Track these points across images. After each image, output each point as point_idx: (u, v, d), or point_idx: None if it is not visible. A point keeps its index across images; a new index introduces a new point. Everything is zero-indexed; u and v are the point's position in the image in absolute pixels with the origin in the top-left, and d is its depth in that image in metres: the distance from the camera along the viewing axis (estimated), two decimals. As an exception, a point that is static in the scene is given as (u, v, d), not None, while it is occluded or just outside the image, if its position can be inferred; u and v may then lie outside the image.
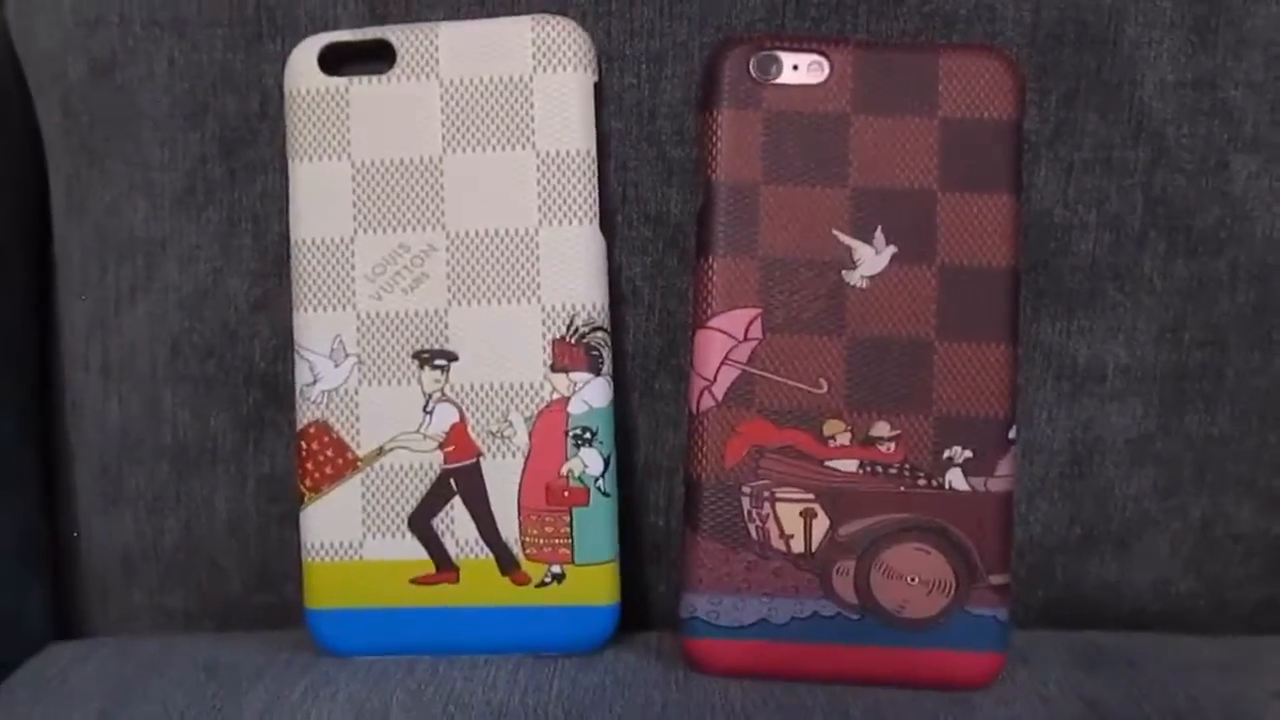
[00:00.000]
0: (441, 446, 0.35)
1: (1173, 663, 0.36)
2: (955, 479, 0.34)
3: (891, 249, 0.34)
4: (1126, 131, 0.38)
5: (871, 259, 0.34)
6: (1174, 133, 0.38)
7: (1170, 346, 0.38)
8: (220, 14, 0.38)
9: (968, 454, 0.34)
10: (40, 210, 0.42)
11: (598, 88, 0.35)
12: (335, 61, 0.36)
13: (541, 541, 0.35)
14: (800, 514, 0.34)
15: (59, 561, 0.43)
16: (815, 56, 0.34)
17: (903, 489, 0.34)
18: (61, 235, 0.42)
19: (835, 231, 0.34)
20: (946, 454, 0.34)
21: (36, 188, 0.42)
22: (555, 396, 0.35)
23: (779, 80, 0.34)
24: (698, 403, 0.34)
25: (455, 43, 0.35)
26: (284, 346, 0.37)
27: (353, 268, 0.35)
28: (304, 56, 0.36)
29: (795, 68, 0.34)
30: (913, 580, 0.34)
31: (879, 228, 0.34)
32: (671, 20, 0.37)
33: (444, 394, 0.35)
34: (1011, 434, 0.34)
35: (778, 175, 0.34)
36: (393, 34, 0.35)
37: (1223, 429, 0.39)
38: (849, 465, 0.34)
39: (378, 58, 0.36)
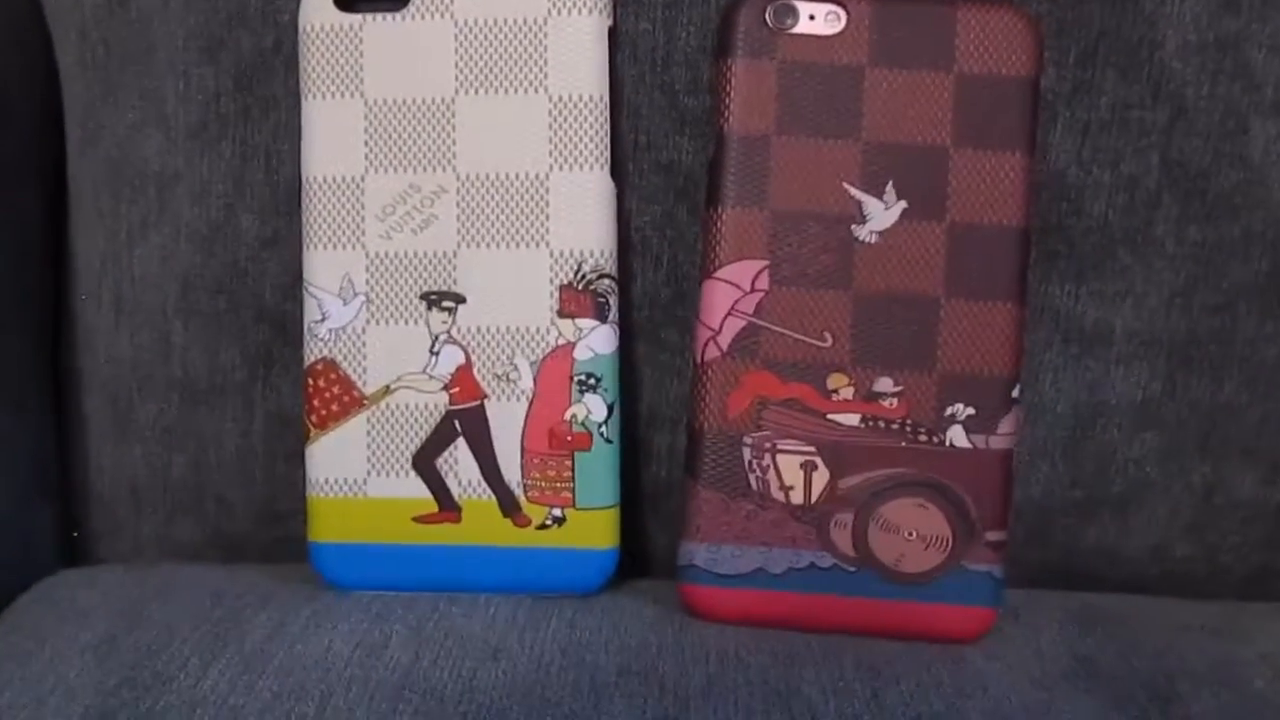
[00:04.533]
0: (447, 388, 0.35)
1: (1165, 624, 0.36)
2: (957, 436, 0.34)
3: (902, 204, 0.34)
4: (1145, 91, 0.37)
5: (881, 214, 0.34)
6: (1194, 94, 0.37)
7: (1180, 311, 0.38)
8: (236, -54, 0.38)
9: (970, 411, 0.34)
10: (56, 141, 0.42)
11: (612, 32, 0.35)
12: (350, -2, 0.35)
13: (544, 485, 0.35)
14: (801, 466, 0.34)
15: (69, 492, 0.43)
16: (832, 7, 0.34)
17: (904, 444, 0.34)
18: (75, 167, 0.42)
19: (846, 185, 0.34)
20: (949, 411, 0.34)
21: (53, 119, 0.42)
22: (561, 342, 0.35)
23: (795, 30, 0.34)
24: (703, 353, 0.34)
25: (470, -18, 0.35)
26: (293, 284, 0.37)
27: (363, 207, 0.35)
28: (319, -10, 0.35)
29: (812, 17, 0.34)
30: (910, 535, 0.34)
31: (890, 182, 0.34)
32: (690, -35, 0.36)
33: (450, 336, 0.35)
34: (1015, 393, 0.34)
35: (790, 126, 0.34)
36: (408, -29, 0.35)
37: (1228, 396, 0.39)
38: (851, 419, 0.34)
39: (393, -6, 0.35)
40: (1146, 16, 0.37)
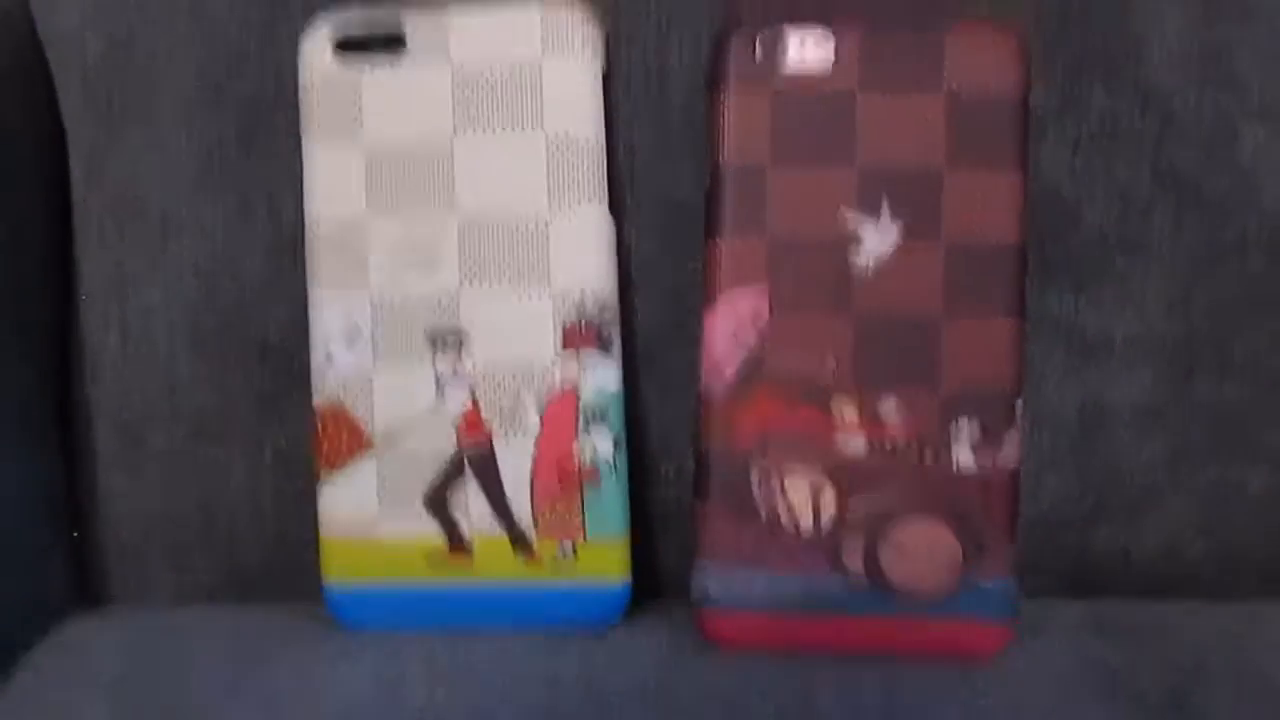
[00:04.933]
0: (454, 427, 0.36)
1: (1182, 628, 0.36)
2: (963, 454, 0.34)
3: (898, 227, 0.34)
4: (1134, 103, 0.37)
5: (878, 237, 0.34)
6: (1181, 103, 0.37)
7: (1179, 315, 0.38)
8: (234, -6, 0.38)
9: (975, 429, 0.34)
10: (61, 179, 0.43)
11: (606, 71, 0.36)
12: (349, 45, 0.36)
13: (554, 520, 0.35)
14: (809, 490, 0.34)
15: (78, 530, 0.43)
16: (822, 35, 0.34)
17: (911, 464, 0.34)
18: (80, 205, 0.42)
19: (842, 210, 0.34)
20: (954, 429, 0.34)
21: (58, 158, 0.43)
22: (566, 378, 0.35)
23: (786, 59, 0.34)
24: (707, 381, 0.35)
25: (466, 27, 0.35)
26: (298, 326, 0.37)
27: (366, 249, 0.36)
28: (318, 39, 0.36)
29: (802, 46, 0.34)
30: (921, 553, 0.34)
31: (886, 206, 0.34)
32: (679, 0, 0.37)
33: (456, 375, 0.36)
34: (1018, 408, 0.34)
35: (785, 155, 0.34)
36: (405, 19, 0.36)
37: (1232, 395, 0.39)
38: (857, 441, 0.34)
39: (391, 41, 0.36)
40: (1131, 29, 0.37)
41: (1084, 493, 0.39)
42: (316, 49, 0.36)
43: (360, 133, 0.36)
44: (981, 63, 0.34)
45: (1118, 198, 0.38)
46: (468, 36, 0.35)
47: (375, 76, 0.36)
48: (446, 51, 0.35)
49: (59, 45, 0.42)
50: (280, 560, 0.40)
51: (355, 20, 0.36)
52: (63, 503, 0.42)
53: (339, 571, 0.36)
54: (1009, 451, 0.34)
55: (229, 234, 0.39)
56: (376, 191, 0.36)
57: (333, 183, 0.36)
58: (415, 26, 0.35)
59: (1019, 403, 0.34)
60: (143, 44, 0.39)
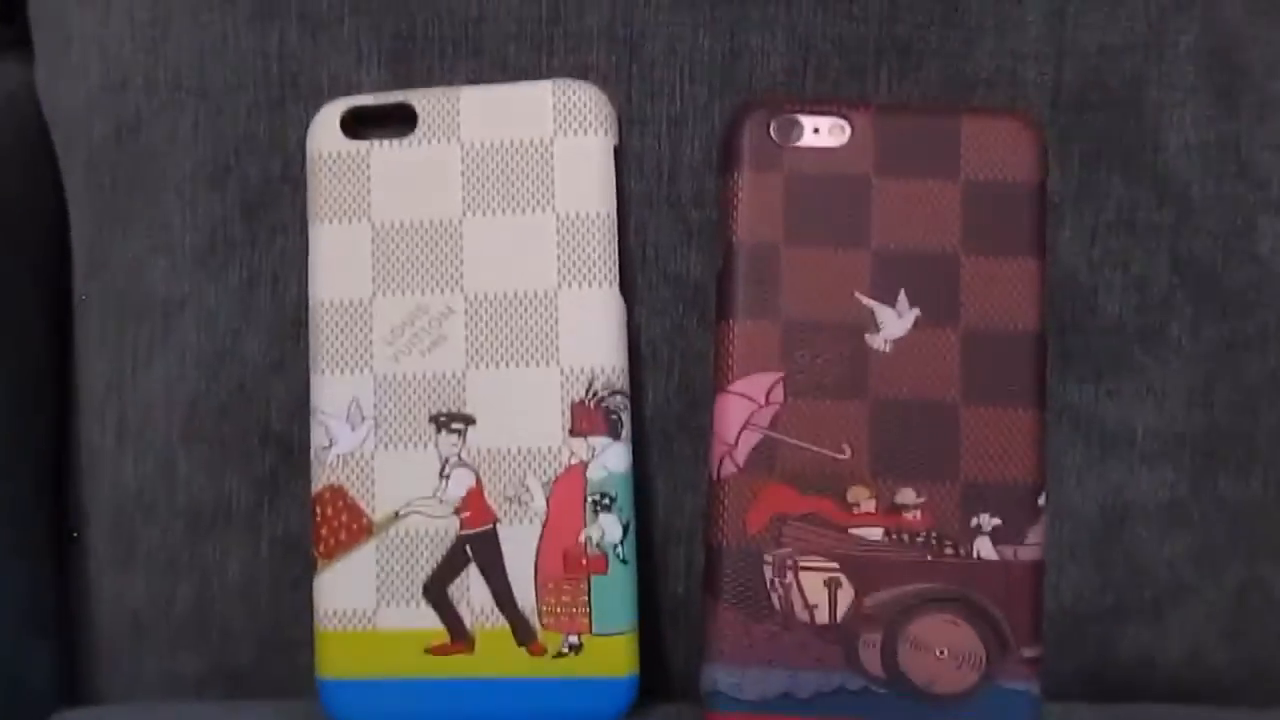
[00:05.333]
0: (458, 512, 0.35)
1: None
2: (984, 547, 0.33)
3: (915, 312, 0.34)
4: (1151, 193, 0.37)
5: (894, 322, 0.34)
6: (1199, 194, 0.37)
7: (1201, 409, 0.38)
8: (245, 78, 0.38)
9: (996, 521, 0.33)
10: (61, 269, 0.43)
11: (618, 150, 0.35)
12: (358, 124, 0.36)
13: (559, 610, 0.34)
14: (824, 583, 0.33)
15: (68, 624, 0.42)
16: (836, 119, 0.34)
17: (930, 558, 0.33)
18: (81, 293, 0.42)
19: (857, 294, 0.34)
20: (974, 522, 0.33)
21: (58, 247, 0.43)
22: (574, 461, 0.34)
23: (799, 143, 0.34)
24: (718, 468, 0.34)
25: (476, 106, 0.35)
26: (300, 408, 0.37)
27: (370, 329, 0.35)
28: (327, 119, 0.36)
29: (816, 130, 0.34)
30: (941, 653, 0.33)
31: (902, 291, 0.34)
32: (692, 83, 0.37)
33: (461, 458, 0.35)
34: (1041, 501, 0.33)
35: (799, 237, 0.34)
36: (415, 98, 0.36)
37: (1257, 493, 0.38)
38: (874, 533, 0.33)
39: (400, 121, 0.36)
40: (1148, 120, 0.37)
41: (1105, 590, 0.38)
42: (326, 125, 0.36)
43: (367, 211, 0.35)
44: (999, 149, 0.34)
45: (1135, 288, 0.38)
46: (478, 114, 0.35)
47: (384, 154, 0.36)
48: (457, 129, 0.35)
49: (64, 128, 0.42)
50: (274, 656, 0.39)
51: (366, 98, 0.36)
52: (50, 602, 0.42)
53: (334, 665, 0.35)
54: (1032, 546, 0.33)
55: (231, 316, 0.39)
56: (382, 270, 0.35)
57: (338, 261, 0.36)
58: (425, 103, 0.35)
59: (1042, 496, 0.33)
60: (149, 126, 0.40)
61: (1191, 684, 0.39)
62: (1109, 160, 0.37)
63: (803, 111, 0.34)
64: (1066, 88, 0.37)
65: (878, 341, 0.34)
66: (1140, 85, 0.37)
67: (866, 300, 0.34)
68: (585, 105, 0.35)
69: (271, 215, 0.39)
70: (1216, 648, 0.39)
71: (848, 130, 0.34)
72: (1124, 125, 0.37)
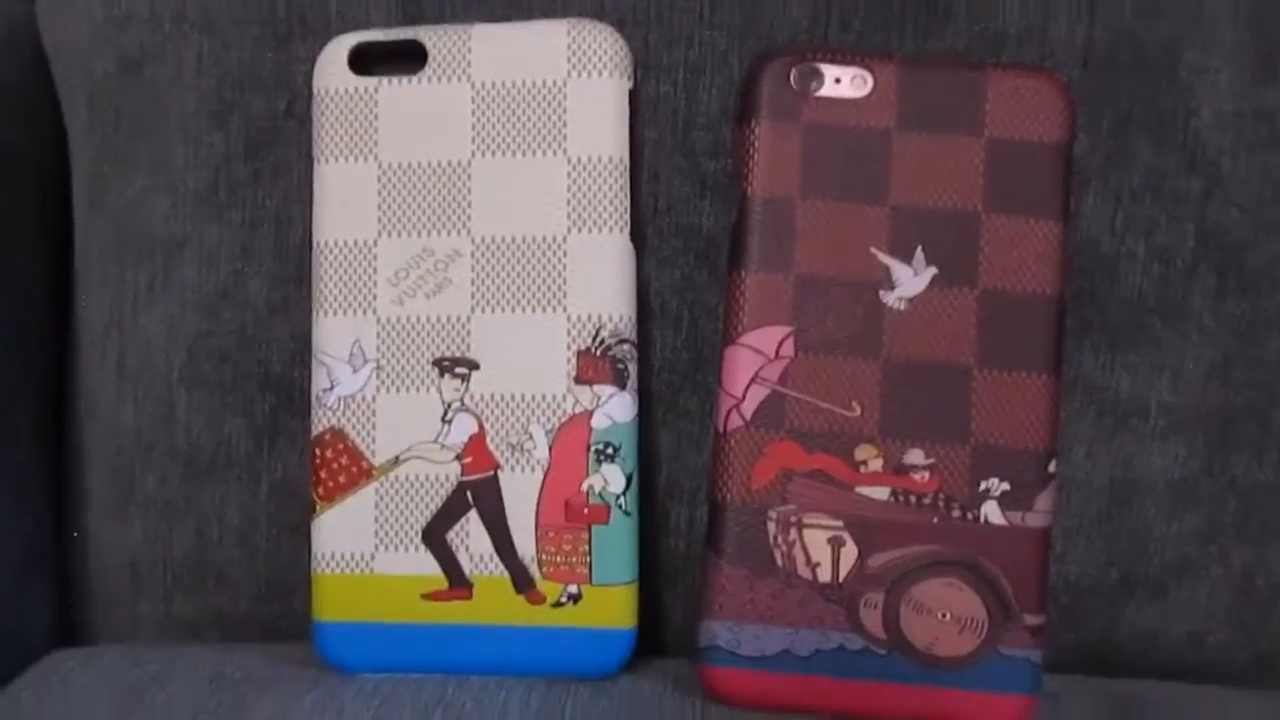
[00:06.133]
0: (459, 458, 0.34)
1: (1207, 715, 0.35)
2: (991, 512, 0.33)
3: (932, 270, 0.33)
4: (1180, 161, 0.37)
5: (910, 280, 0.33)
6: (1230, 164, 0.37)
7: (1218, 386, 0.37)
8: (251, 12, 0.38)
9: (1005, 486, 0.33)
10: (62, 208, 0.42)
11: (633, 95, 0.35)
12: (365, 61, 0.35)
13: (559, 560, 0.34)
14: (828, 542, 0.33)
15: (65, 567, 0.42)
16: (858, 70, 0.33)
17: (936, 520, 0.33)
18: (82, 233, 0.41)
19: (873, 250, 0.33)
20: (983, 486, 0.33)
21: (59, 185, 0.42)
22: (578, 410, 0.34)
23: (820, 93, 0.33)
24: (725, 422, 0.33)
25: (488, 45, 0.35)
26: (301, 351, 0.37)
27: (375, 271, 0.35)
28: (334, 55, 0.35)
29: (838, 81, 0.33)
30: (944, 616, 0.33)
31: (919, 248, 0.33)
32: (711, 29, 0.36)
33: (463, 403, 0.34)
34: (1052, 468, 0.33)
35: (815, 190, 0.33)
36: (425, 35, 0.35)
37: (1269, 475, 0.38)
38: (880, 493, 0.33)
39: (409, 58, 0.35)
40: (1182, 85, 0.36)
41: (1110, 565, 0.38)
42: (333, 62, 0.35)
43: (374, 150, 0.35)
44: (1025, 107, 0.33)
45: (1158, 258, 0.37)
46: (490, 52, 0.35)
47: (392, 92, 0.35)
48: (467, 68, 0.35)
49: (65, 62, 0.42)
50: (270, 601, 0.39)
51: (375, 34, 0.35)
52: (49, 543, 0.42)
53: (331, 608, 0.35)
54: (1040, 513, 0.33)
55: (233, 256, 0.38)
56: (388, 211, 0.35)
57: (343, 202, 0.35)
58: (435, 41, 0.35)
59: (1053, 463, 0.33)
60: (152, 61, 0.39)
61: (1194, 664, 0.38)
62: (1138, 125, 0.36)
63: (824, 61, 0.33)
64: (1098, 47, 0.36)
65: (892, 299, 0.33)
66: (1175, 47, 0.36)
67: (883, 257, 0.33)
68: (601, 46, 0.34)
69: (275, 154, 0.38)
70: (1221, 628, 0.38)
71: (870, 82, 0.33)
72: (1157, 89, 0.36)
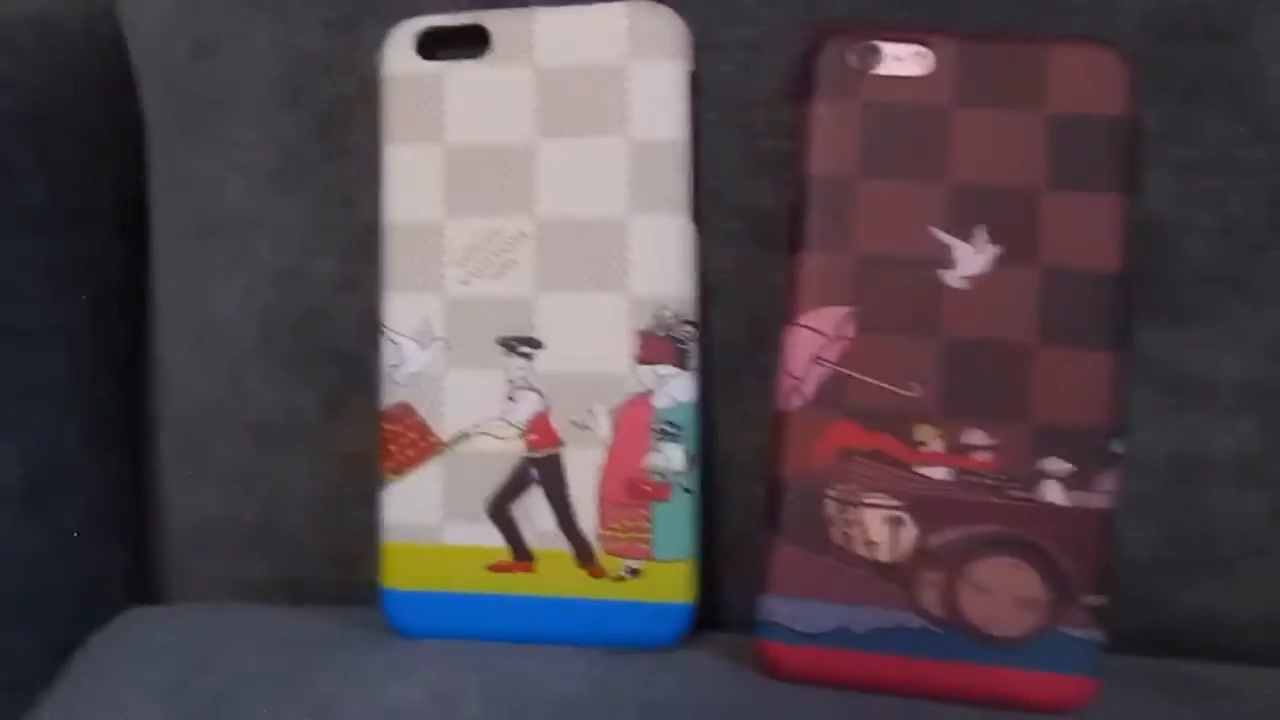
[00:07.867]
0: (524, 434, 0.35)
1: (1272, 698, 0.34)
2: (1053, 492, 0.33)
3: (993, 248, 0.33)
4: (1249, 131, 0.36)
5: (971, 258, 0.33)
6: (1301, 134, 0.36)
7: (1287, 362, 0.36)
8: (320, -4, 0.38)
9: (1067, 466, 0.32)
10: (139, 186, 0.43)
11: (693, 76, 0.35)
12: (431, 45, 0.36)
13: (620, 535, 0.34)
14: (887, 521, 0.33)
15: (142, 529, 0.43)
16: (918, 47, 0.33)
17: (996, 500, 0.33)
18: (158, 212, 0.43)
19: (933, 229, 0.33)
20: (1044, 465, 0.33)
21: (136, 165, 0.43)
22: (640, 389, 0.34)
23: (879, 71, 0.33)
24: (785, 401, 0.33)
25: (550, 29, 0.35)
26: (369, 328, 0.37)
27: (442, 251, 0.35)
28: (401, 40, 0.36)
29: (897, 58, 0.33)
30: (1003, 596, 0.33)
31: (980, 226, 0.33)
32: (770, 8, 0.36)
33: (528, 381, 0.35)
34: (1115, 447, 0.33)
35: (875, 169, 0.33)
36: (489, 19, 0.35)
37: (1340, 451, 0.37)
38: (940, 473, 0.33)
39: (473, 42, 0.35)
40: (1252, 52, 0.35)
41: (1171, 544, 0.37)
42: (400, 48, 0.36)
43: (440, 133, 0.35)
44: (1087, 80, 0.33)
45: (1226, 231, 0.36)
46: (552, 37, 0.35)
47: (457, 75, 0.35)
48: (530, 51, 0.35)
49: (142, 48, 0.42)
50: (336, 568, 0.40)
51: (440, 18, 0.36)
52: (128, 506, 0.43)
53: (398, 577, 0.36)
54: (1103, 492, 0.32)
55: (304, 234, 0.39)
56: (455, 193, 0.35)
57: (411, 183, 0.36)
58: (499, 25, 0.35)
59: (1116, 442, 0.33)
60: (224, 45, 0.40)
61: (1256, 647, 0.38)
62: (1206, 95, 0.35)
63: (883, 38, 0.33)
64: (1166, 14, 0.35)
65: (953, 278, 0.33)
66: (1247, 13, 0.35)
67: (943, 236, 0.33)
68: (660, 29, 0.34)
69: (344, 135, 0.39)
70: (1288, 608, 0.37)
71: (930, 59, 0.33)
72: (1225, 58, 0.35)
